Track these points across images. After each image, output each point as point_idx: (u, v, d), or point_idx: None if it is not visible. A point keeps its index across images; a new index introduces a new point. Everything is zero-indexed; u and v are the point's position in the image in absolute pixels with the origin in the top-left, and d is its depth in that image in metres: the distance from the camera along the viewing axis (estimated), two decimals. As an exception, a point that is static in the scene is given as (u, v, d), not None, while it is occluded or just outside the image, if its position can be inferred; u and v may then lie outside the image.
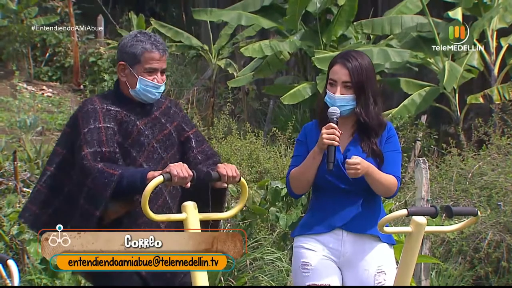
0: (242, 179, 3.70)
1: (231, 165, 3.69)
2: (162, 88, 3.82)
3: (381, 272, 3.78)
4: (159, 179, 3.50)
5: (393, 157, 3.81)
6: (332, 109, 3.73)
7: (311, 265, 3.78)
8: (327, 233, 3.80)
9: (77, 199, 3.66)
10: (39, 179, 3.84)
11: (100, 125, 3.69)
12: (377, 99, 3.82)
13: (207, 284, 3.51)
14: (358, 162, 3.62)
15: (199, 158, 3.90)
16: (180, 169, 3.52)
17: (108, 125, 3.71)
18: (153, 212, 3.54)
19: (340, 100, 3.75)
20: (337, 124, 3.69)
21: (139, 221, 3.75)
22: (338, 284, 3.78)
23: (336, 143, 3.67)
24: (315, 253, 3.79)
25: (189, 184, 3.57)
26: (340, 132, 3.69)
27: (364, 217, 3.78)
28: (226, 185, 3.70)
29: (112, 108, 3.76)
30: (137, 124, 3.78)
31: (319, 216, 3.83)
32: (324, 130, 3.68)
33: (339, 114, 3.73)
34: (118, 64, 3.79)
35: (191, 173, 3.55)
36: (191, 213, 3.55)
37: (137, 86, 3.77)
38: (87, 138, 3.65)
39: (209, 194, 3.71)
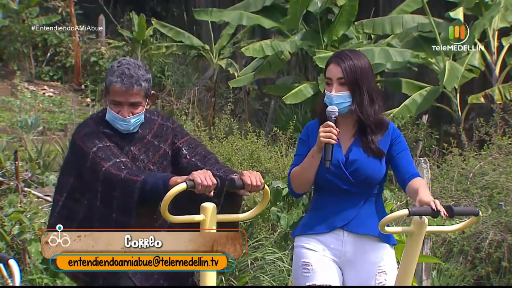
0: (266, 186, 3.65)
1: (255, 173, 3.62)
2: (134, 121, 3.75)
3: (382, 272, 3.78)
4: (182, 186, 3.45)
5: (408, 156, 3.84)
6: (330, 108, 3.75)
7: (311, 265, 3.78)
8: (328, 233, 3.79)
9: (105, 220, 3.63)
10: (52, 210, 3.82)
11: (107, 144, 3.70)
12: (374, 97, 3.82)
13: (215, 284, 3.50)
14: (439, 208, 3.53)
15: (194, 160, 3.86)
16: (204, 177, 3.46)
17: (113, 145, 3.72)
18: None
19: (336, 98, 3.77)
20: (335, 123, 3.70)
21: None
22: (339, 284, 3.78)
23: (333, 141, 3.68)
24: (316, 253, 3.79)
25: (212, 193, 3.52)
26: (338, 130, 3.70)
27: (365, 218, 3.78)
28: (249, 193, 3.66)
29: (107, 131, 3.76)
30: (131, 150, 3.78)
31: (320, 216, 3.83)
32: (321, 129, 3.70)
33: (337, 113, 3.74)
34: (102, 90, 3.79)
35: (215, 181, 3.49)
36: (209, 215, 3.51)
37: (107, 116, 3.78)
38: (100, 155, 3.65)
39: (221, 198, 3.68)
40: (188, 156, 3.88)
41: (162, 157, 3.84)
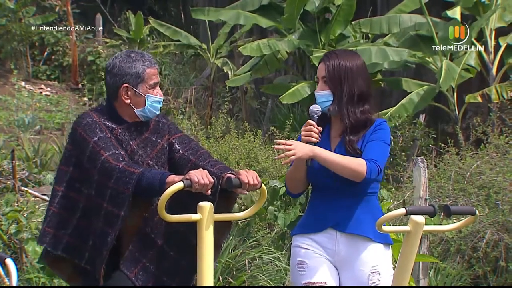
0: (263, 185, 3.67)
1: (252, 171, 3.65)
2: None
3: (375, 272, 3.77)
4: (179, 185, 3.46)
5: (372, 145, 3.76)
6: (313, 107, 3.78)
7: (307, 264, 3.80)
8: (321, 232, 3.81)
9: (96, 209, 3.65)
10: (51, 201, 3.81)
11: (108, 136, 3.71)
12: (362, 98, 3.79)
13: (212, 284, 3.50)
14: (285, 143, 3.58)
15: (186, 154, 3.89)
16: (200, 176, 3.48)
17: (113, 137, 3.73)
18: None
19: (319, 96, 3.80)
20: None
21: (145, 231, 3.77)
22: (334, 283, 3.78)
23: (314, 140, 3.70)
24: (311, 252, 3.81)
25: (209, 191, 3.54)
26: (319, 128, 3.72)
27: (357, 218, 3.77)
28: (246, 192, 3.67)
29: (109, 124, 3.77)
30: (131, 144, 3.79)
31: (313, 215, 3.86)
32: (302, 128, 3.73)
33: (320, 112, 3.77)
34: (121, 87, 3.76)
35: (212, 180, 3.52)
36: (206, 214, 3.54)
37: (146, 104, 3.78)
38: (100, 145, 3.65)
39: (216, 195, 3.68)
40: (181, 151, 3.90)
41: (160, 152, 3.86)
